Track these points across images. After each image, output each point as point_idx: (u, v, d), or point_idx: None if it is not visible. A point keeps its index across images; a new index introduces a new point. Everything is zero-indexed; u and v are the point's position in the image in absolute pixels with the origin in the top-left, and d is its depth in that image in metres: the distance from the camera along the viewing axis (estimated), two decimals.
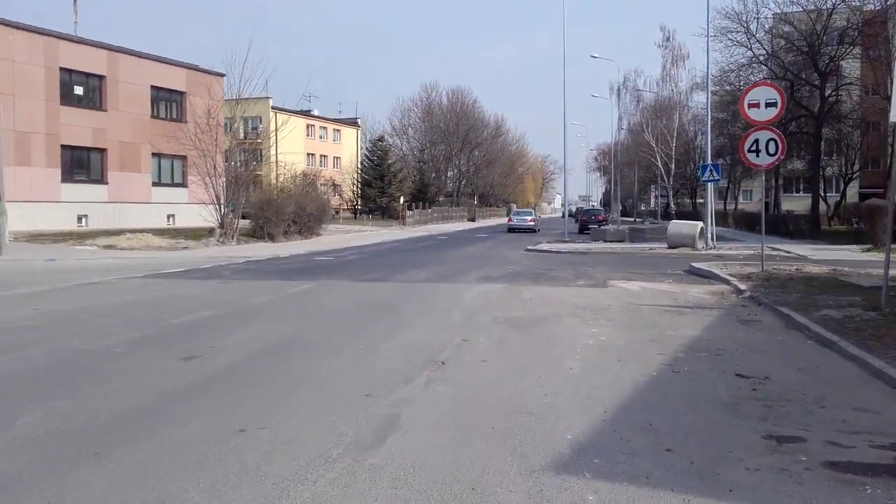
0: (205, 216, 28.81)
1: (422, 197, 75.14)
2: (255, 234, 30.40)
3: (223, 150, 30.83)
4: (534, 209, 72.39)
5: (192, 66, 36.17)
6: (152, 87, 34.60)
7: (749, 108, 16.37)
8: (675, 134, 48.04)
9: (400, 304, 11.73)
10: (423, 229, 50.16)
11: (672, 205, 55.00)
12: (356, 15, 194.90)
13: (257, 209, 30.44)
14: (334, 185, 62.07)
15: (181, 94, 35.54)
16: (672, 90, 47.59)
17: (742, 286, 14.23)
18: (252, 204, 31.14)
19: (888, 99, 34.86)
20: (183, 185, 34.57)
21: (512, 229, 46.89)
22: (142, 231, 29.04)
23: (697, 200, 72.50)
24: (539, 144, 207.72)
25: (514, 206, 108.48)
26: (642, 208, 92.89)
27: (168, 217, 34.91)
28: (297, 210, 32.23)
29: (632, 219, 77.71)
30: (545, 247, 28.71)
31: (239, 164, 30.21)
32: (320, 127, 77.74)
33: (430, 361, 7.37)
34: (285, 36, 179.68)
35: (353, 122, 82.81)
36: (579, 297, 12.93)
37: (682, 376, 6.93)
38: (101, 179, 32.47)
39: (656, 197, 77.48)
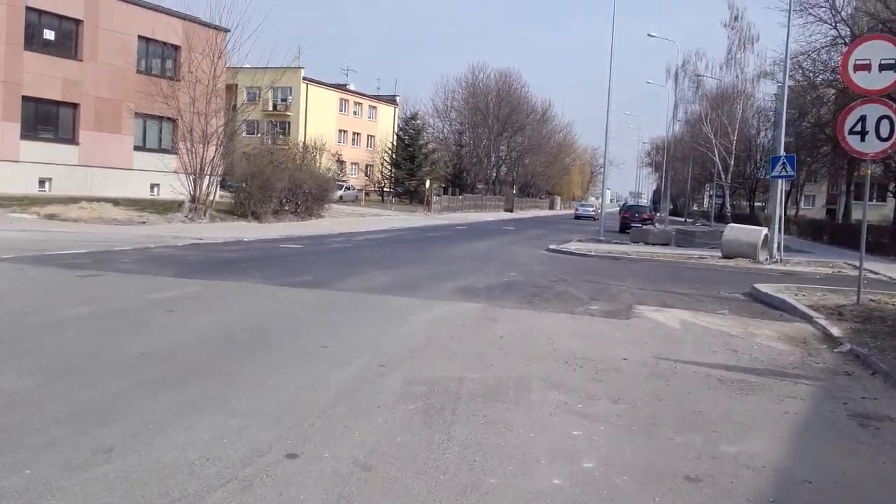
0: (175, 187, 24.72)
1: (458, 183, 70.43)
2: (237, 211, 26.21)
3: (216, 113, 26.56)
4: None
5: (190, 17, 31.92)
6: (140, 37, 30.42)
7: (855, 72, 11.46)
8: (738, 126, 42.47)
9: (287, 337, 7.29)
10: (447, 217, 45.60)
11: (728, 206, 49.42)
12: None
13: (241, 182, 26.23)
14: (340, 161, 57.36)
15: (176, 48, 31.33)
16: (737, 76, 42.00)
17: (833, 329, 9.49)
18: (238, 177, 26.99)
19: None
20: (171, 151, 30.48)
21: (578, 217, 63.63)
22: (112, 200, 25.10)
23: (756, 203, 66.60)
24: (589, 136, 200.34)
25: (558, 199, 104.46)
26: (694, 208, 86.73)
27: (152, 187, 30.93)
28: (291, 187, 27.94)
29: (682, 219, 72.03)
30: (572, 247, 23.96)
31: (221, 131, 25.86)
32: (355, 102, 73.46)
33: None
34: (326, 7, 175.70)
35: (391, 100, 78.23)
36: (582, 337, 8.32)
37: None
38: (72, 139, 28.45)
39: (710, 196, 71.56)
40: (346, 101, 71.98)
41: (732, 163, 43.97)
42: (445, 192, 60.90)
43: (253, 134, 58.40)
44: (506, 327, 8.56)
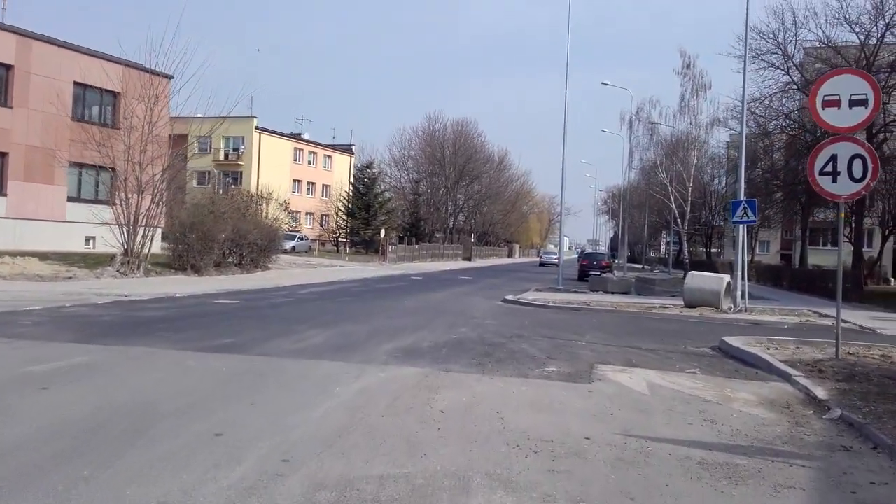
0: (108, 240, 23.15)
1: (415, 232, 69.43)
2: (175, 264, 24.65)
3: (152, 161, 25.13)
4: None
5: (131, 63, 30.59)
6: (76, 83, 28.96)
7: (823, 109, 10.68)
8: (693, 173, 42.31)
9: (176, 422, 5.95)
10: (402, 267, 44.40)
11: (685, 252, 49.08)
12: (359, 47, 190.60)
13: (179, 233, 24.74)
14: (289, 210, 55.97)
15: (114, 94, 29.92)
16: (691, 123, 41.91)
17: (816, 390, 8.48)
18: (177, 227, 25.50)
19: None
20: (108, 202, 28.86)
21: (543, 264, 66.42)
22: (40, 254, 23.39)
23: (711, 249, 66.60)
24: (547, 185, 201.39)
25: (517, 247, 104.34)
26: (651, 255, 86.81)
27: (87, 240, 29.13)
28: (235, 237, 26.51)
29: (640, 266, 71.85)
30: (530, 297, 22.90)
31: (158, 180, 24.44)
32: (309, 152, 72.34)
33: None
34: (283, 56, 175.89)
35: (347, 149, 77.28)
36: (537, 409, 7.13)
37: None
38: None
39: (667, 243, 71.61)
40: (300, 150, 70.87)
41: (689, 209, 43.73)
42: (402, 241, 59.75)
43: (204, 184, 56.82)
44: (449, 399, 7.32)
